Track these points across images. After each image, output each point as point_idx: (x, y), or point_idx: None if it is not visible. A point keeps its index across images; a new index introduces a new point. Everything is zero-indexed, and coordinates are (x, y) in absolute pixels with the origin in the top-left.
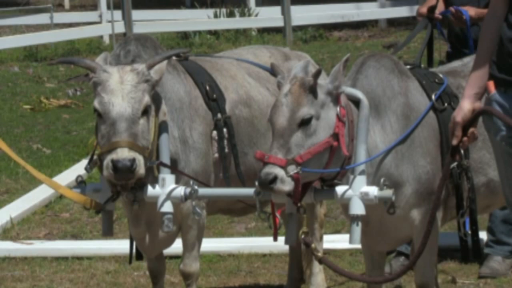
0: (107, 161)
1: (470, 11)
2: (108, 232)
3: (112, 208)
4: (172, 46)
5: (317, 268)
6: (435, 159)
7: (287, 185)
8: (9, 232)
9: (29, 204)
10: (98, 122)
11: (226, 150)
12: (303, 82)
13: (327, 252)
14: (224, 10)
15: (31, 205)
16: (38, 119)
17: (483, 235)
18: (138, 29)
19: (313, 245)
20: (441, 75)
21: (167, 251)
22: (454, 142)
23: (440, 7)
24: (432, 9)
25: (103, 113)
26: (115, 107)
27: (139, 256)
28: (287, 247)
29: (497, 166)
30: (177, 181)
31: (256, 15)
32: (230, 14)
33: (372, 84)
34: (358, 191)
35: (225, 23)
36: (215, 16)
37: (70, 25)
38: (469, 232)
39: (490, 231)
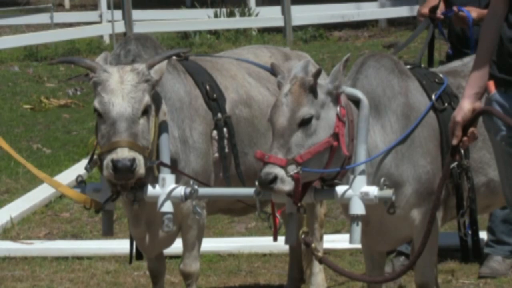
0: (107, 161)
1: (473, 12)
2: (108, 232)
3: (112, 208)
4: (172, 46)
5: (317, 268)
6: (435, 159)
7: (287, 185)
8: (9, 232)
9: (29, 204)
10: (98, 122)
11: (226, 150)
12: (303, 82)
13: (327, 252)
14: (224, 10)
15: (31, 205)
16: (38, 119)
17: (483, 235)
18: (138, 29)
19: (313, 245)
20: (441, 75)
21: (167, 251)
22: (454, 142)
23: (440, 7)
24: (434, 9)
25: (103, 113)
26: (115, 107)
27: (139, 256)
28: (287, 247)
29: (497, 166)
30: (177, 181)
31: (256, 15)
32: (230, 14)
33: (372, 84)
34: (358, 191)
35: (225, 23)
36: (215, 16)
37: (70, 24)
38: (469, 232)
39: (490, 231)
